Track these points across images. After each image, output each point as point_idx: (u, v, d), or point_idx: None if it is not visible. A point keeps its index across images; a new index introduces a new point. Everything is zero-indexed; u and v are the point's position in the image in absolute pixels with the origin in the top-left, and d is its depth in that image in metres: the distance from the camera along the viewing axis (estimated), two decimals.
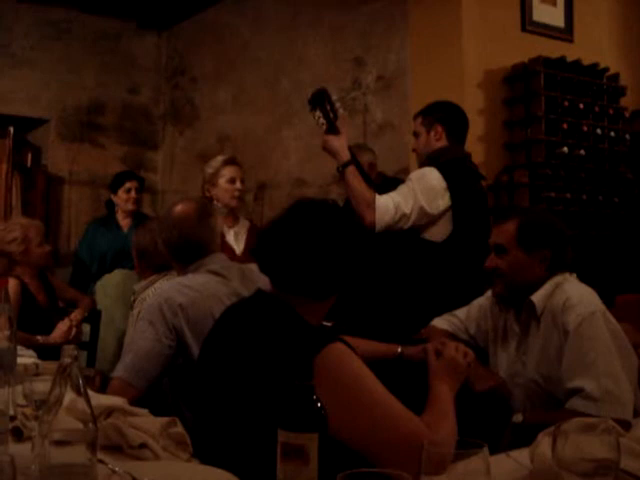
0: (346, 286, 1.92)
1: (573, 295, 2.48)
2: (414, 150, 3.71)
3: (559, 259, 2.58)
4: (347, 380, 1.71)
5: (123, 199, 5.30)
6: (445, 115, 3.61)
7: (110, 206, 5.52)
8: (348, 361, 1.74)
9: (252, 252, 2.00)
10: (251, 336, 1.83)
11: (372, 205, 3.27)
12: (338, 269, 1.87)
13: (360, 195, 3.30)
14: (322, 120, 3.30)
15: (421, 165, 3.58)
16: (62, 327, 4.18)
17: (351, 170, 3.33)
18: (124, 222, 5.37)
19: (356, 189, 3.30)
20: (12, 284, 4.07)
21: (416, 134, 3.65)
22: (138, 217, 5.30)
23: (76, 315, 4.32)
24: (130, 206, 5.32)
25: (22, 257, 4.24)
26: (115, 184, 5.36)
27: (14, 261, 4.22)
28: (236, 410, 1.79)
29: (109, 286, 4.92)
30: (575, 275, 2.63)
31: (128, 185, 5.31)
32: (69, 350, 1.33)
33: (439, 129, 3.57)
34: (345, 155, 3.34)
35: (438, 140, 3.56)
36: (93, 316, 4.58)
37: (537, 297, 2.54)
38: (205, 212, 2.84)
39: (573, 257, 2.64)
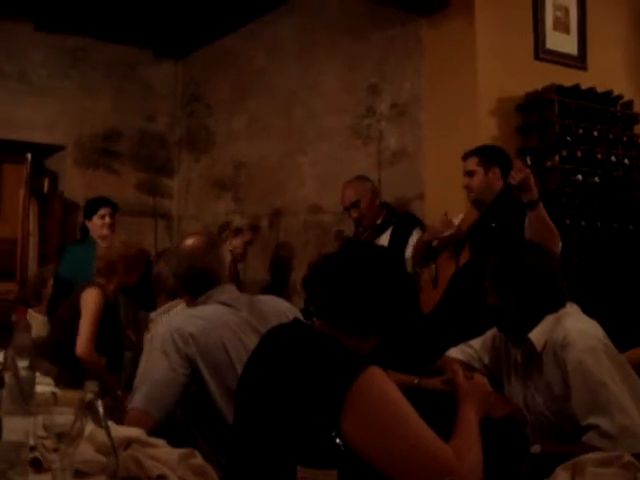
0: (389, 329, 1.95)
1: (572, 331, 2.48)
2: (467, 187, 3.79)
3: (536, 301, 2.57)
4: (383, 406, 1.72)
5: (98, 225, 5.32)
6: (500, 158, 3.80)
7: (85, 231, 5.54)
8: (385, 387, 1.75)
9: (303, 283, 2.04)
10: (288, 364, 1.86)
11: (558, 235, 3.46)
12: (385, 311, 1.90)
13: (554, 228, 3.45)
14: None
15: (492, 203, 3.65)
16: None
17: (542, 204, 3.45)
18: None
19: (551, 222, 3.45)
20: (95, 293, 3.99)
21: (471, 172, 3.77)
22: None
23: None
24: (105, 231, 5.32)
25: (120, 271, 4.19)
26: (89, 211, 5.42)
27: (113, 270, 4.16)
28: (265, 440, 1.80)
29: None
30: (576, 306, 2.63)
31: (102, 212, 5.34)
32: (91, 386, 1.34)
33: (497, 170, 3.74)
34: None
35: (498, 180, 3.72)
36: None
37: (535, 334, 2.55)
38: (213, 244, 2.87)
39: (583, 286, 2.64)
